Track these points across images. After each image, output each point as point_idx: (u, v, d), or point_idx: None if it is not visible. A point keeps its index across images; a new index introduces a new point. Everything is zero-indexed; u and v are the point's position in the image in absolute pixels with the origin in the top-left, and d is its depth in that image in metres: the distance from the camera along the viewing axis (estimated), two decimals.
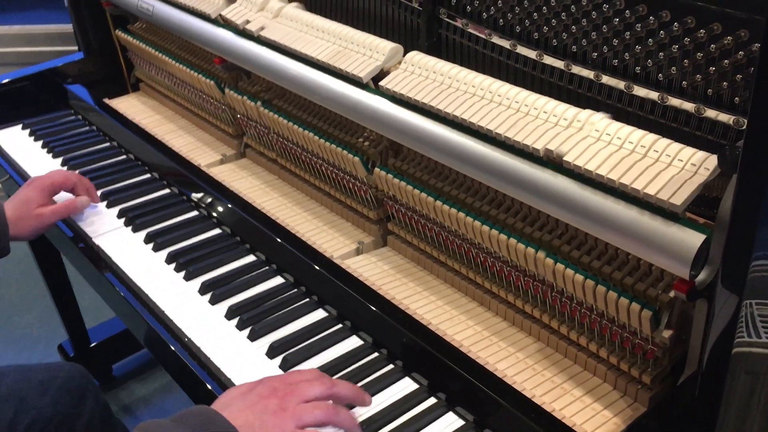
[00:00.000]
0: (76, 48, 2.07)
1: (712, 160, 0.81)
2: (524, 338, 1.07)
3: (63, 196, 1.39)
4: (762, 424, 0.78)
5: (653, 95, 0.91)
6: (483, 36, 1.10)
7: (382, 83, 1.12)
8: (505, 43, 1.07)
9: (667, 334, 0.89)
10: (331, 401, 0.90)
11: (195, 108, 1.70)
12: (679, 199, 0.80)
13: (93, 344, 2.21)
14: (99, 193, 1.46)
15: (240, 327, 1.11)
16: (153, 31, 1.78)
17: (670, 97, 0.90)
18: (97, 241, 1.33)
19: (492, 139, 0.98)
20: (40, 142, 1.67)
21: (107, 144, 1.66)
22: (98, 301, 2.51)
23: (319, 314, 1.13)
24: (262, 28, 1.34)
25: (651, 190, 0.82)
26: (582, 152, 0.89)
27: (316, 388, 0.90)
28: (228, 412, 0.85)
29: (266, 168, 1.53)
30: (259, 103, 1.41)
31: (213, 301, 1.16)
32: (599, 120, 0.91)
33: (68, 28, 3.10)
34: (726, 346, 0.74)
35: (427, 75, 1.09)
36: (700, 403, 0.81)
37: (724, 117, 0.85)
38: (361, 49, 1.19)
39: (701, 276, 0.82)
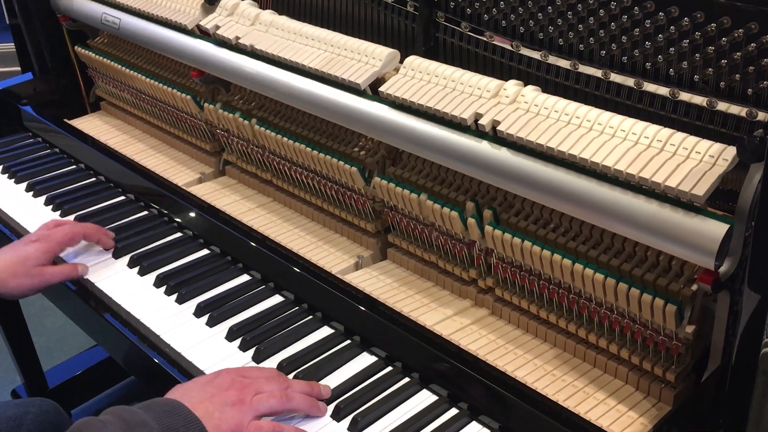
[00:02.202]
0: (18, 68, 2.08)
1: (730, 151, 0.89)
2: (540, 344, 1.12)
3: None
4: None
5: (664, 91, 0.99)
6: (484, 38, 1.17)
7: (382, 89, 1.17)
8: (508, 45, 1.14)
9: (690, 329, 0.96)
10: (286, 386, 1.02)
11: (166, 125, 1.74)
12: (701, 190, 0.87)
13: (51, 388, 2.19)
14: (71, 217, 1.48)
15: (243, 348, 1.14)
16: (116, 45, 1.81)
17: (681, 92, 0.97)
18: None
19: (502, 140, 1.05)
20: None
21: (74, 166, 1.68)
22: (54, 340, 2.50)
23: (325, 331, 1.18)
24: (239, 38, 1.39)
25: (671, 183, 0.89)
26: (598, 149, 0.95)
27: (273, 385, 1.01)
28: (189, 403, 0.94)
29: (249, 185, 1.56)
30: (248, 118, 1.45)
31: (211, 323, 1.19)
32: (611, 117, 0.98)
33: (7, 47, 3.10)
34: (754, 343, 0.80)
35: (429, 79, 1.15)
36: (728, 399, 0.88)
37: (737, 109, 0.93)
38: (356, 55, 1.25)
39: (724, 267, 0.89)
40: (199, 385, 0.99)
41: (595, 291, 1.01)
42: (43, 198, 1.56)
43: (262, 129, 1.41)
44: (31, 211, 1.52)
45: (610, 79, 1.04)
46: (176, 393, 0.98)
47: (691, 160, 0.91)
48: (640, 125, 0.96)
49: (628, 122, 0.97)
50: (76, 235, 1.34)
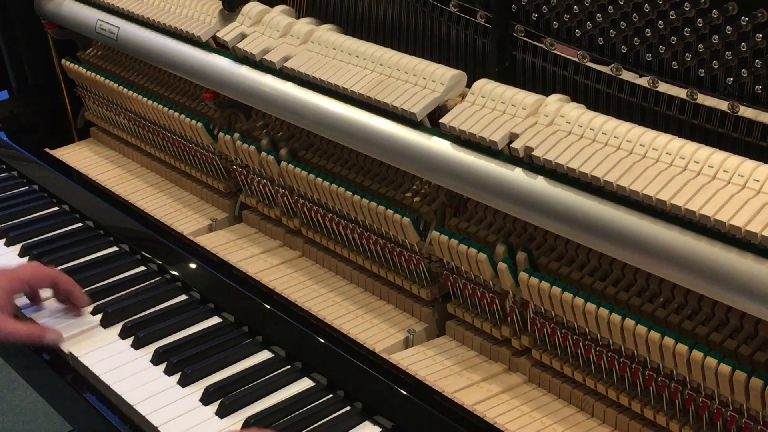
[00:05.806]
0: None
1: None
2: None
3: None
4: None
5: None
6: (575, 59, 1.16)
7: (443, 120, 1.17)
8: (606, 68, 1.13)
9: None
10: None
11: (170, 158, 1.76)
12: None
13: None
14: None
15: None
16: (112, 59, 1.84)
17: None
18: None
19: (599, 190, 1.03)
20: None
21: (56, 208, 1.70)
22: (21, 422, 2.51)
23: (368, 428, 1.16)
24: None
25: None
26: (724, 203, 0.93)
27: None
28: None
29: (272, 235, 1.57)
30: (274, 152, 1.46)
31: (222, 413, 1.19)
32: (740, 162, 0.96)
33: None
34: None
35: (504, 109, 1.15)
36: None
37: None
38: (411, 77, 1.25)
39: None
40: None
41: (720, 388, 0.98)
42: (17, 247, 1.58)
43: (291, 166, 1.41)
44: (3, 264, 1.53)
45: (739, 113, 1.02)
46: None
47: None
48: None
49: (763, 171, 0.94)
50: (44, 278, 1.36)
